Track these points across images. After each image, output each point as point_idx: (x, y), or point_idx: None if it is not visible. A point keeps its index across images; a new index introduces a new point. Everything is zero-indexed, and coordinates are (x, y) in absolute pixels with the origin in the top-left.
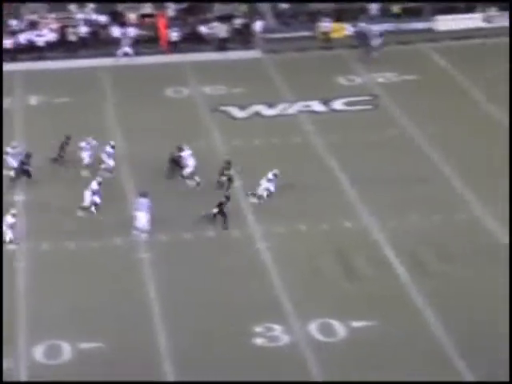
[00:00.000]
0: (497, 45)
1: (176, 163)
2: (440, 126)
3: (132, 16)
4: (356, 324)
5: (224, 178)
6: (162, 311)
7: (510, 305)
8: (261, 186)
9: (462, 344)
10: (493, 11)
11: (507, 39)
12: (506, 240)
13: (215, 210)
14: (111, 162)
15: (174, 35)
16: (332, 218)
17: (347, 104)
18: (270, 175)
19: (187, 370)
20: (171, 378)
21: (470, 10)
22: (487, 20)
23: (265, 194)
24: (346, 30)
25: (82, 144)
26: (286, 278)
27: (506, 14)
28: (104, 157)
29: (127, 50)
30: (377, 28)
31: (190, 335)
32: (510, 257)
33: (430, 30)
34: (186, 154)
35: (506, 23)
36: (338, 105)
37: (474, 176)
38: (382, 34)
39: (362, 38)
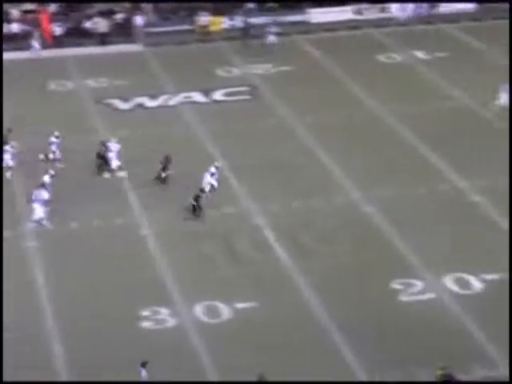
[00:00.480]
0: (368, 35)
1: (103, 159)
2: (315, 114)
3: (15, 12)
4: (240, 305)
5: (164, 174)
6: (50, 297)
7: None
8: (204, 180)
9: (342, 324)
10: (363, 4)
11: (378, 30)
12: (380, 222)
13: (193, 203)
14: (57, 153)
15: (57, 30)
16: (214, 203)
17: (227, 94)
18: (212, 169)
19: (76, 354)
20: (61, 362)
21: (341, 2)
22: (358, 12)
23: (207, 188)
24: (224, 23)
25: (7, 147)
26: (172, 263)
27: (376, 7)
28: (53, 148)
29: (36, 45)
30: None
31: (78, 320)
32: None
33: (304, 23)
34: (114, 149)
35: (376, 15)
36: (218, 95)
37: (348, 161)
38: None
39: (246, 31)
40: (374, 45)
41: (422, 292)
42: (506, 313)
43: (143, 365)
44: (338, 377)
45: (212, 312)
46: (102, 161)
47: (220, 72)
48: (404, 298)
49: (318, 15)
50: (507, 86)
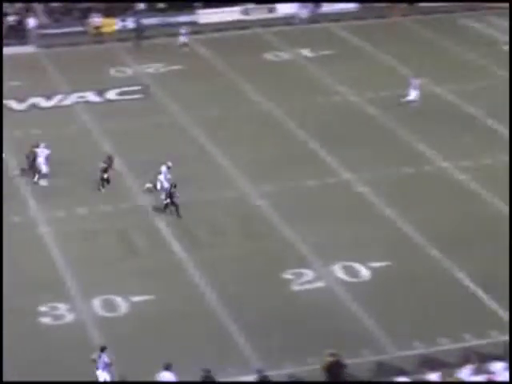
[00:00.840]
0: (255, 35)
1: (33, 162)
2: (207, 111)
3: None
4: (137, 299)
5: (107, 175)
6: None
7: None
8: (158, 180)
9: (237, 315)
10: (251, 4)
11: (265, 29)
12: (271, 214)
13: (167, 201)
14: None
15: None
16: (111, 199)
17: (120, 94)
18: (163, 168)
19: None
20: None
21: (229, 3)
22: (245, 13)
23: (158, 186)
24: (116, 24)
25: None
26: (69, 259)
27: (263, 7)
28: None
29: None
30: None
31: None
32: None
33: (193, 23)
34: (42, 154)
35: (262, 16)
36: (111, 95)
37: (240, 156)
38: (185, 35)
39: (138, 31)
40: (262, 44)
41: (313, 281)
42: (393, 299)
43: (102, 350)
44: (235, 367)
45: (110, 306)
46: (32, 165)
47: (113, 72)
48: (295, 287)
49: (207, 16)
50: (417, 82)
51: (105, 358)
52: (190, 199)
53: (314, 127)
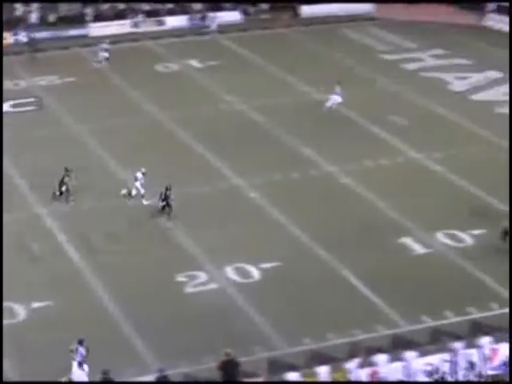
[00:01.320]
0: (145, 47)
1: None
2: (99, 121)
3: None
4: (35, 305)
5: (64, 187)
6: None
7: None
8: (134, 186)
9: (134, 318)
10: (140, 18)
11: (154, 41)
12: (166, 220)
13: (163, 203)
14: None
15: None
16: (8, 209)
17: (14, 106)
18: (138, 174)
19: None
20: None
21: (119, 17)
22: (135, 26)
23: (133, 193)
24: (9, 38)
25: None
26: None
27: (152, 20)
28: None
29: None
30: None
31: None
32: None
33: (85, 36)
34: None
35: (152, 28)
36: (5, 107)
37: (133, 163)
38: (107, 50)
39: (31, 44)
40: (152, 55)
41: (206, 283)
42: (283, 297)
43: (80, 342)
44: (133, 368)
45: (9, 313)
46: None
47: (8, 85)
48: (189, 289)
49: (98, 29)
50: (338, 88)
51: (82, 350)
52: (87, 207)
53: (204, 135)
